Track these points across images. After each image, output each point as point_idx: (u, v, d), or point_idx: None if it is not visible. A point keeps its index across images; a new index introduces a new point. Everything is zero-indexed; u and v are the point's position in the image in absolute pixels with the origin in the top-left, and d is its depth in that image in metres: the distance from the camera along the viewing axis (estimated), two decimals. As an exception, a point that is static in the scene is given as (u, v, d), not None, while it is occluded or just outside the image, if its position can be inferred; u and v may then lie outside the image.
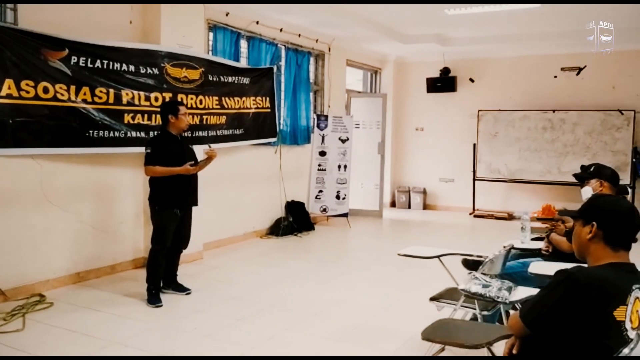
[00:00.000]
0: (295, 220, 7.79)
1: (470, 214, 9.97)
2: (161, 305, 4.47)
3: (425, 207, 10.55)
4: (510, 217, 9.65)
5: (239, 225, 7.15)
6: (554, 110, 9.22)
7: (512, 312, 3.35)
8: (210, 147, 4.89)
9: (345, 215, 8.60)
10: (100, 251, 5.29)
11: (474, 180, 9.92)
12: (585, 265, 1.95)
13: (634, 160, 8.57)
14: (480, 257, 3.47)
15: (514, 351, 1.95)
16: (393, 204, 10.78)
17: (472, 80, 10.08)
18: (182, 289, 4.82)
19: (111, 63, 5.00)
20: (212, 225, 6.40)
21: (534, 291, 2.74)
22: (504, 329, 2.33)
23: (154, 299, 4.49)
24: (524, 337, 1.94)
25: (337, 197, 8.60)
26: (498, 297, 2.57)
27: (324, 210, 8.54)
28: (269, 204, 7.67)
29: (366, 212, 9.43)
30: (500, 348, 2.52)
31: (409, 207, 10.59)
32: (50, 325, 3.98)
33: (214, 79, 6.15)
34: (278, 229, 7.57)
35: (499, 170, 9.67)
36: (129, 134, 5.21)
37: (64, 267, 4.99)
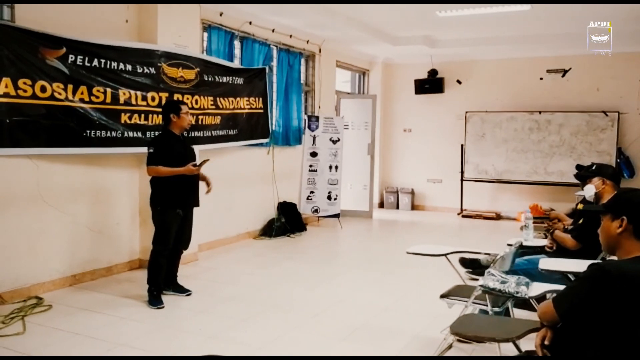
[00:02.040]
0: (287, 221, 7.77)
1: (458, 214, 10.07)
2: (163, 307, 4.42)
3: (414, 207, 10.63)
4: (498, 217, 9.79)
5: (232, 227, 7.11)
6: (540, 112, 9.38)
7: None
8: (196, 165, 4.52)
9: (336, 215, 8.61)
10: (96, 253, 5.22)
11: (462, 180, 10.03)
12: (615, 258, 2.00)
13: (618, 160, 8.76)
14: (489, 254, 3.52)
15: (546, 342, 1.97)
16: (381, 205, 10.83)
17: (459, 82, 10.19)
18: (182, 290, 4.77)
19: (109, 62, 4.94)
20: (206, 227, 6.34)
21: (549, 286, 2.78)
22: (530, 323, 2.36)
23: (155, 301, 4.44)
24: (556, 329, 1.97)
25: (329, 197, 8.61)
26: (517, 293, 2.61)
27: (316, 211, 8.55)
28: (261, 205, 7.64)
29: (356, 212, 9.47)
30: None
31: (397, 207, 10.66)
32: (51, 328, 3.91)
33: (209, 79, 6.12)
34: (271, 230, 7.55)
35: (486, 170, 9.79)
36: (125, 134, 5.15)
37: (60, 269, 4.90)
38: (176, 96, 5.55)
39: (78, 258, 5.05)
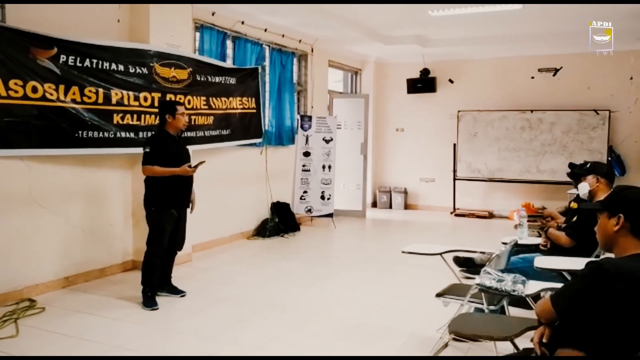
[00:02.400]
0: (281, 221, 7.75)
1: (451, 213, 10.10)
2: (157, 308, 4.38)
3: (407, 207, 10.64)
4: (491, 215, 9.82)
5: (225, 227, 7.09)
6: (531, 111, 9.42)
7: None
8: (192, 166, 4.51)
9: (330, 215, 8.61)
10: (89, 254, 5.18)
11: (454, 179, 10.06)
12: (613, 256, 2.00)
13: (609, 158, 8.81)
14: (484, 253, 3.53)
15: (544, 340, 1.98)
16: (374, 204, 10.84)
17: (451, 81, 10.22)
18: (176, 291, 4.75)
19: (100, 62, 4.91)
20: (200, 227, 6.31)
21: (545, 284, 2.79)
22: (527, 321, 2.37)
23: (150, 302, 4.41)
24: (554, 327, 1.98)
25: (322, 197, 8.61)
26: (514, 291, 2.62)
27: (309, 210, 8.54)
28: (255, 205, 7.62)
29: (349, 212, 9.47)
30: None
31: (390, 207, 10.67)
32: (45, 331, 3.87)
33: (202, 79, 6.09)
34: (264, 230, 7.53)
35: (478, 169, 9.83)
36: (118, 135, 5.12)
37: (53, 271, 4.86)
38: (169, 96, 5.52)
39: (71, 259, 5.01)
